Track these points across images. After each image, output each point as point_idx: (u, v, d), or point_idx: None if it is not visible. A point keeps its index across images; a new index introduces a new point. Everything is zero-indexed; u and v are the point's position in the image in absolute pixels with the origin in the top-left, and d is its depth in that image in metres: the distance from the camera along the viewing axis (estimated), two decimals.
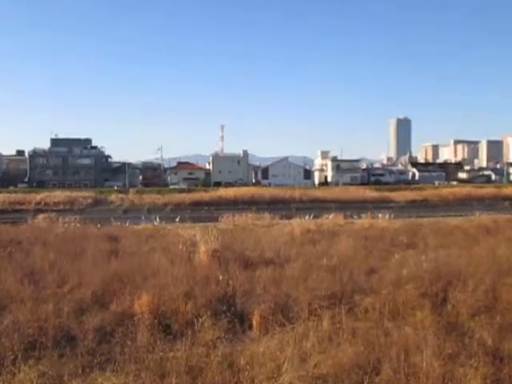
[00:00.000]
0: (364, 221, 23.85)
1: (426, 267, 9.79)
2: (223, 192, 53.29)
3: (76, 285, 9.38)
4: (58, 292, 8.96)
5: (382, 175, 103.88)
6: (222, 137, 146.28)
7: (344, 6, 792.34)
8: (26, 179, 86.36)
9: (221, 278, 9.41)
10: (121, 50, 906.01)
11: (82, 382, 5.66)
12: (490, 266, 10.01)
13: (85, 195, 49.08)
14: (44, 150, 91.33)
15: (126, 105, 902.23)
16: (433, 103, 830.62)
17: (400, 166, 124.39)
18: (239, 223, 23.93)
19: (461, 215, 27.80)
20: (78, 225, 21.20)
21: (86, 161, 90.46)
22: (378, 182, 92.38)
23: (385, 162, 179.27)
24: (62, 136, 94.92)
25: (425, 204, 46.77)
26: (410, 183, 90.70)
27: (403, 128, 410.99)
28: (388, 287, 8.62)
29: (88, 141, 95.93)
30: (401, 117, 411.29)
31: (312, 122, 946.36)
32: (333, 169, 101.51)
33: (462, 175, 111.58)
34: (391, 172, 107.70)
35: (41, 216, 26.92)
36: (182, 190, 58.45)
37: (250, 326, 7.52)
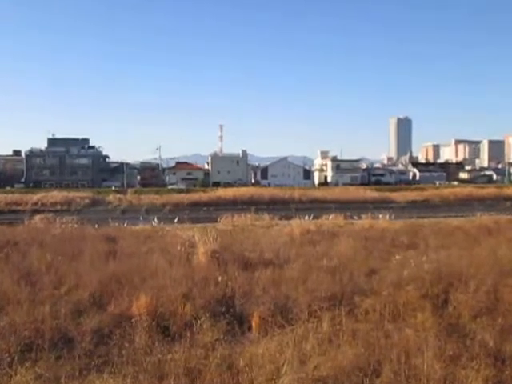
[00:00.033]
0: (364, 221, 23.78)
1: (426, 268, 9.74)
2: (222, 192, 53.26)
3: (73, 286, 9.32)
4: (54, 293, 8.90)
5: (382, 175, 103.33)
6: (221, 137, 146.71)
7: (344, 6, 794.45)
8: (23, 179, 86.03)
9: (220, 279, 9.37)
10: (119, 49, 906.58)
11: None
12: (491, 266, 9.96)
13: (82, 195, 49.02)
14: (41, 150, 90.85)
15: (123, 104, 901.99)
16: (434, 103, 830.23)
17: (400, 166, 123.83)
18: (238, 224, 23.87)
19: (462, 216, 27.72)
20: (76, 225, 21.11)
21: (84, 161, 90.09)
22: (378, 182, 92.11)
23: (385, 162, 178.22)
24: (59, 136, 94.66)
25: (425, 204, 46.70)
26: (410, 183, 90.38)
27: (404, 128, 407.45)
28: (388, 288, 8.58)
29: (85, 140, 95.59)
30: (401, 116, 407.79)
31: (312, 122, 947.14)
32: (333, 169, 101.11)
33: (463, 175, 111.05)
34: (392, 172, 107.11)
35: (38, 217, 26.81)
36: (180, 191, 58.45)
37: (249, 328, 7.48)
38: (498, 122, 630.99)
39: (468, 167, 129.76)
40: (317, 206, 37.46)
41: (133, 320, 7.35)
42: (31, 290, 8.92)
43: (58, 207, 42.17)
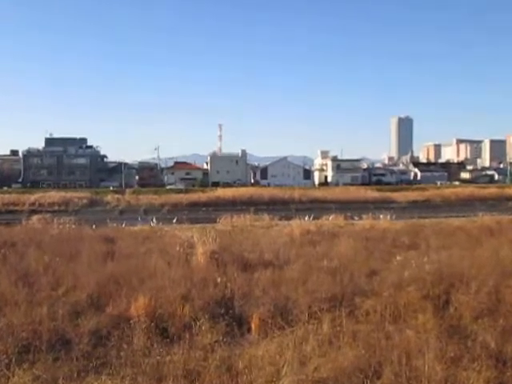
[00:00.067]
0: (365, 222, 23.79)
1: (428, 269, 9.71)
2: (221, 192, 53.11)
3: (71, 287, 9.28)
4: (52, 294, 8.86)
5: (383, 175, 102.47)
6: (220, 136, 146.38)
7: (344, 5, 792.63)
8: (20, 179, 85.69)
9: (219, 280, 9.33)
10: (118, 49, 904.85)
11: None
12: (493, 267, 9.93)
13: (80, 196, 48.86)
14: (38, 150, 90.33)
15: (121, 104, 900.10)
16: (435, 102, 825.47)
17: (401, 166, 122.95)
18: (238, 224, 23.85)
19: (463, 216, 27.67)
20: (73, 226, 21.06)
21: (82, 160, 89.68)
22: (379, 182, 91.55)
23: (386, 161, 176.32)
24: (57, 135, 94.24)
25: (427, 204, 46.54)
26: (411, 183, 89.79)
27: (405, 127, 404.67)
28: (389, 289, 8.56)
29: (83, 140, 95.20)
30: (402, 116, 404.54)
31: (312, 121, 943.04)
32: (333, 169, 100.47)
33: (465, 175, 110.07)
34: (392, 172, 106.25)
35: (35, 217, 26.77)
36: (179, 191, 58.23)
37: (249, 330, 7.45)
38: (499, 122, 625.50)
39: (469, 167, 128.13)
40: (317, 207, 37.48)
41: (131, 321, 7.32)
42: (29, 291, 8.87)
43: (56, 207, 42.05)
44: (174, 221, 25.60)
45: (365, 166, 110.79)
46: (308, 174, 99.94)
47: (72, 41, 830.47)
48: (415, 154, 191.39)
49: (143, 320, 7.29)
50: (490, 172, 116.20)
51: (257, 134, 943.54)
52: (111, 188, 66.08)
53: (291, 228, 19.52)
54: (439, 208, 42.01)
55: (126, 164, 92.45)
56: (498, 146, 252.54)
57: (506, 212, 29.85)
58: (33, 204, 43.59)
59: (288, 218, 25.80)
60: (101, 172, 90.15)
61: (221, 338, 6.81)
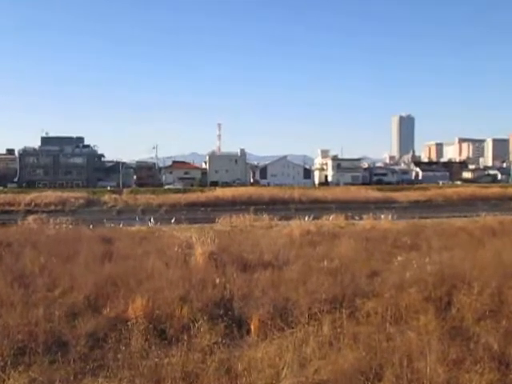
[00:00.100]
0: (366, 222, 23.74)
1: (429, 270, 9.69)
2: (220, 192, 52.91)
3: (68, 288, 9.22)
4: (48, 296, 8.81)
5: (384, 175, 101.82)
6: (219, 135, 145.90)
7: (344, 2, 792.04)
8: (16, 179, 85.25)
9: (218, 281, 9.29)
10: (115, 47, 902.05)
11: None
12: (495, 268, 9.90)
13: (77, 195, 48.61)
14: (34, 149, 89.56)
15: (119, 102, 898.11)
16: (437, 100, 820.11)
17: (403, 166, 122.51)
18: (237, 224, 23.83)
19: (465, 216, 27.64)
20: (70, 226, 20.96)
21: (78, 160, 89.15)
22: (380, 182, 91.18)
23: (387, 161, 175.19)
24: (53, 134, 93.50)
25: (428, 204, 46.51)
26: (413, 183, 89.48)
27: (406, 126, 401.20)
28: (390, 291, 8.53)
29: (80, 139, 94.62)
30: (404, 114, 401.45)
31: (312, 120, 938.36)
32: (333, 168, 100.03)
33: (467, 175, 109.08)
34: (394, 171, 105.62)
35: (31, 217, 26.64)
36: (177, 191, 57.98)
37: (248, 331, 7.41)
38: (502, 120, 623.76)
39: (472, 166, 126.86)
40: (317, 206, 37.39)
41: (129, 323, 7.26)
42: (25, 293, 8.82)
43: (52, 207, 41.85)
44: (172, 221, 25.52)
45: (365, 165, 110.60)
46: (308, 173, 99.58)
47: (68, 39, 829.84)
48: (417, 154, 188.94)
49: (141, 322, 7.24)
50: (492, 171, 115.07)
51: (256, 133, 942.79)
52: (108, 188, 65.86)
53: (291, 228, 19.50)
54: (441, 208, 41.86)
55: (123, 163, 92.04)
56: (500, 145, 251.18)
57: (508, 212, 29.74)
58: (28, 204, 43.32)
59: (288, 218, 25.78)
60: (98, 171, 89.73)
61: (220, 339, 6.76)
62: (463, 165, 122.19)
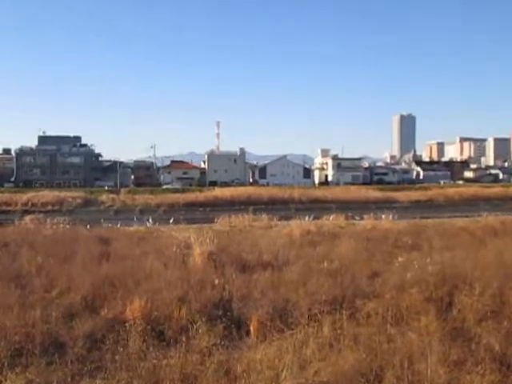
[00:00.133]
0: (366, 222, 23.68)
1: (430, 270, 9.66)
2: (219, 192, 52.75)
3: (65, 289, 9.18)
4: (45, 297, 8.77)
5: (384, 174, 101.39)
6: (218, 134, 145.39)
7: (345, 1, 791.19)
8: (13, 178, 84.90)
9: (216, 281, 9.25)
10: (113, 46, 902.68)
11: None
12: (497, 269, 9.87)
13: (74, 195, 48.46)
14: (31, 148, 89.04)
15: (117, 101, 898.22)
16: (438, 99, 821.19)
17: (404, 165, 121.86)
18: (236, 224, 23.79)
19: (467, 216, 27.59)
20: (67, 226, 20.88)
21: (76, 159, 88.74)
22: (380, 182, 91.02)
23: (388, 160, 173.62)
24: (50, 133, 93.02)
25: (429, 204, 46.44)
26: (414, 182, 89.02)
27: (407, 125, 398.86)
28: (391, 291, 8.50)
29: (77, 138, 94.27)
30: (405, 113, 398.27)
31: (312, 119, 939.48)
32: (333, 167, 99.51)
33: (469, 174, 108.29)
34: (394, 171, 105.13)
35: (28, 217, 26.52)
36: (175, 190, 57.89)
37: (248, 332, 7.37)
38: (503, 120, 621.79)
39: (473, 166, 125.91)
40: (317, 206, 37.27)
41: (127, 324, 7.22)
42: (21, 293, 8.77)
43: (49, 207, 41.67)
44: (171, 221, 25.42)
45: (366, 164, 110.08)
46: (308, 172, 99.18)
47: (70, 37, 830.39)
48: (418, 153, 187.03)
49: (139, 323, 7.20)
50: (494, 171, 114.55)
51: (255, 132, 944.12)
52: (106, 187, 65.63)
53: (291, 228, 19.49)
54: (442, 208, 41.77)
55: (121, 163, 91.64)
56: (502, 145, 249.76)
57: (510, 212, 29.56)
58: (25, 204, 43.13)
59: (287, 218, 25.78)
60: (95, 171, 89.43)
61: (218, 341, 6.72)
62: (464, 164, 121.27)
